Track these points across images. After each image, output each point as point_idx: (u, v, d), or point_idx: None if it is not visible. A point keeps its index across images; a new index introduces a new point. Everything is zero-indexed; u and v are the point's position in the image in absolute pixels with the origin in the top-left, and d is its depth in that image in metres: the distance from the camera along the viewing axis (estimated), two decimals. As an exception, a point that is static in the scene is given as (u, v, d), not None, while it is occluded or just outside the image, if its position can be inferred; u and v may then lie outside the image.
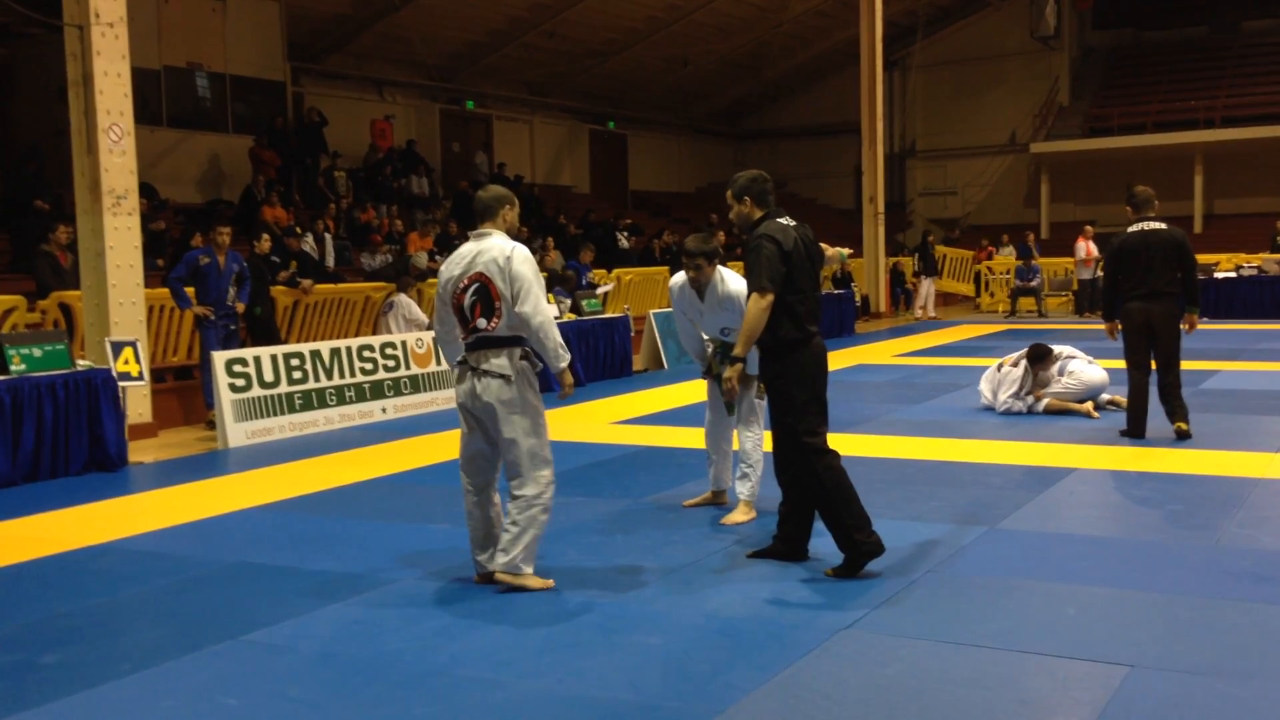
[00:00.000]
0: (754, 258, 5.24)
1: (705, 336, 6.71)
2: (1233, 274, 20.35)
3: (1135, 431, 8.48)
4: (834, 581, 5.15)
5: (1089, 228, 22.16)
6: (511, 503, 5.13)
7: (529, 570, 5.15)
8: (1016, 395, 9.70)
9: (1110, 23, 32.20)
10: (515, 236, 5.31)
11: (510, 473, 5.14)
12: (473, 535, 5.31)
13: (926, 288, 23.05)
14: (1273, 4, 30.11)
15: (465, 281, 5.16)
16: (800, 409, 5.26)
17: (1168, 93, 29.50)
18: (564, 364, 5.14)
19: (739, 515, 6.39)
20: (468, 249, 5.24)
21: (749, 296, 5.29)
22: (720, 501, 6.74)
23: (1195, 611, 4.63)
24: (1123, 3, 31.85)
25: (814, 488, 5.27)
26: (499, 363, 5.09)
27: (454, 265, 5.24)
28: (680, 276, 6.57)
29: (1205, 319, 19.42)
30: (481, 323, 5.11)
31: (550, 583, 5.19)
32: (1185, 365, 12.83)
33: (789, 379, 5.28)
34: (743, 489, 6.46)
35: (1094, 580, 5.08)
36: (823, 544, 5.43)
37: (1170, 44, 31.50)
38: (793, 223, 5.40)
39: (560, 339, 5.14)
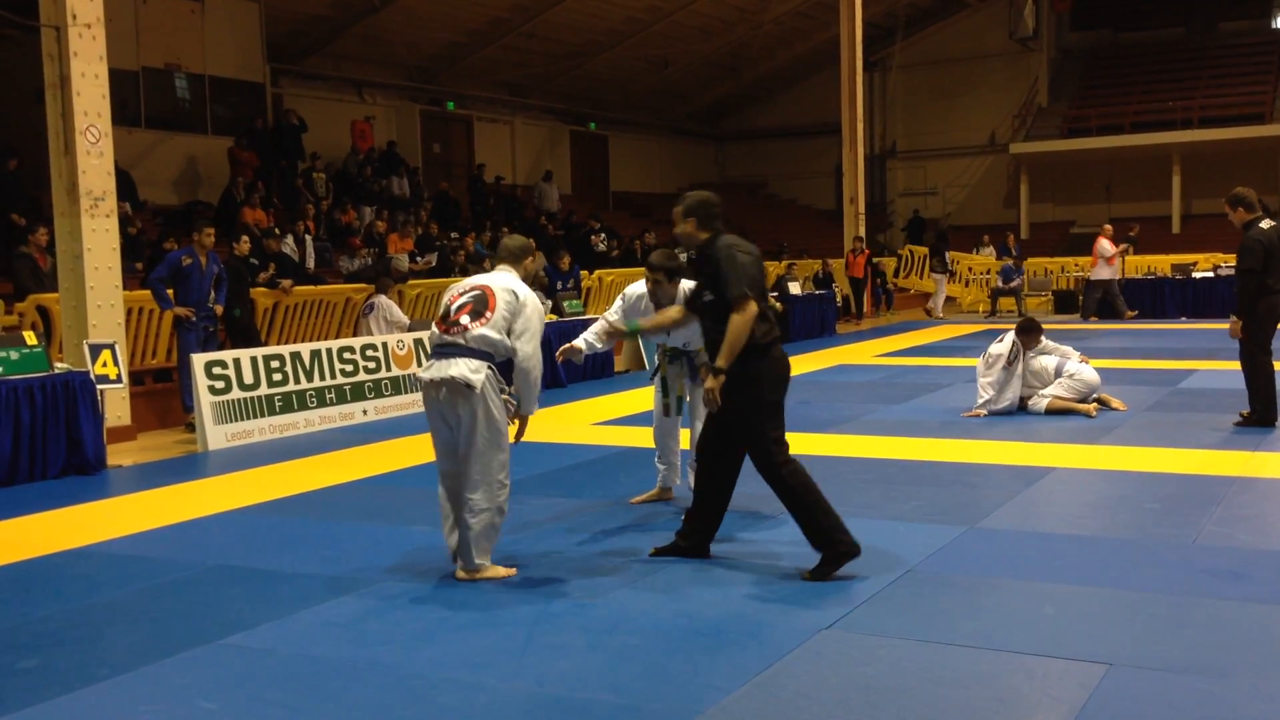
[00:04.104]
0: (725, 266, 5.16)
1: (657, 343, 6.77)
2: (1210, 274, 20.48)
3: (1269, 419, 8.67)
4: (813, 581, 5.15)
5: (1108, 226, 21.07)
6: (465, 509, 5.22)
7: (486, 562, 5.29)
8: (1007, 369, 9.56)
9: (1088, 24, 32.38)
10: (532, 284, 5.49)
11: (468, 480, 5.20)
12: (444, 518, 5.43)
13: (943, 286, 23.05)
14: (1249, 5, 30.36)
15: (466, 288, 5.34)
16: (769, 413, 5.22)
17: (1145, 93, 29.69)
18: (533, 411, 5.32)
19: None
20: (480, 276, 5.47)
21: (730, 308, 5.11)
22: (667, 498, 6.89)
23: (1173, 610, 4.66)
24: (1100, 4, 32.04)
25: (782, 495, 5.25)
26: (470, 365, 5.12)
27: (460, 285, 5.45)
28: (640, 286, 6.58)
29: (1184, 319, 19.59)
30: (465, 319, 5.17)
31: (512, 570, 5.35)
32: (1165, 364, 13.01)
33: (761, 383, 5.20)
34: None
35: (1072, 579, 5.10)
36: (794, 546, 5.44)
37: (1148, 45, 31.69)
38: (737, 238, 5.39)
39: (532, 377, 5.24)
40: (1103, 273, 20.24)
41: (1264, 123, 27.14)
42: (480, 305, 5.20)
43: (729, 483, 5.53)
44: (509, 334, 5.18)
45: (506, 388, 5.27)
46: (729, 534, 6.03)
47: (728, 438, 5.36)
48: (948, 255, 23.60)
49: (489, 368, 5.16)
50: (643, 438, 9.20)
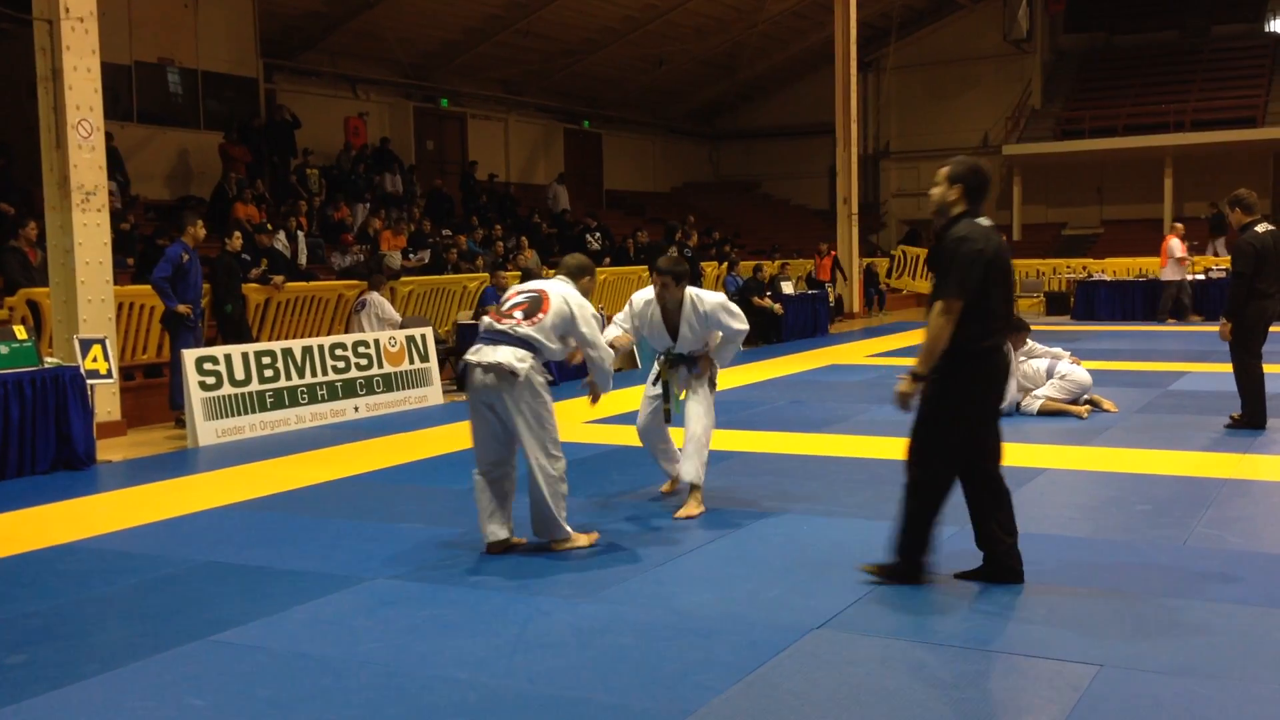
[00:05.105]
0: (948, 260, 4.75)
1: (656, 349, 6.75)
2: (1201, 276, 20.52)
3: (1258, 421, 8.67)
4: (805, 581, 5.14)
5: (1179, 225, 20.38)
6: (535, 485, 5.57)
7: (570, 529, 5.67)
8: None
9: (1082, 26, 32.43)
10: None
11: (529, 460, 5.54)
12: (482, 509, 5.70)
13: None
14: (1242, 9, 30.42)
15: (526, 289, 5.79)
16: (954, 424, 4.88)
17: (1139, 96, 29.75)
18: (608, 390, 5.90)
19: (692, 508, 6.46)
20: (539, 281, 5.92)
21: (934, 302, 4.78)
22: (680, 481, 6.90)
23: (1163, 611, 4.67)
24: (1094, 6, 32.09)
25: (906, 493, 4.98)
26: (516, 354, 5.46)
27: (521, 285, 5.92)
28: (647, 292, 6.56)
29: (1172, 320, 19.61)
30: (518, 314, 5.60)
31: (595, 535, 5.80)
32: (1156, 366, 13.04)
33: (955, 388, 4.82)
34: (689, 470, 6.49)
35: (1063, 580, 5.11)
36: (785, 545, 5.43)
37: (1141, 48, 31.75)
38: (989, 223, 4.92)
39: (606, 368, 5.81)
40: (1172, 273, 19.60)
41: (1256, 126, 27.20)
42: (534, 307, 5.62)
43: (995, 490, 5.02)
44: (559, 339, 5.63)
45: (549, 375, 5.66)
46: (721, 534, 6.03)
47: (973, 454, 4.97)
48: None
49: (533, 357, 5.51)
50: (634, 435, 9.20)
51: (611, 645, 4.40)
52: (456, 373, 5.90)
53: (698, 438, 6.49)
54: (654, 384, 6.74)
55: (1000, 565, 5.03)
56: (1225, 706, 3.74)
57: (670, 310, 6.47)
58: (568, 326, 5.63)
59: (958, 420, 4.89)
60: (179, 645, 4.49)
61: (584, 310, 5.69)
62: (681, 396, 6.64)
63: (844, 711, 3.75)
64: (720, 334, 6.58)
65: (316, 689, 4.03)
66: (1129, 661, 4.12)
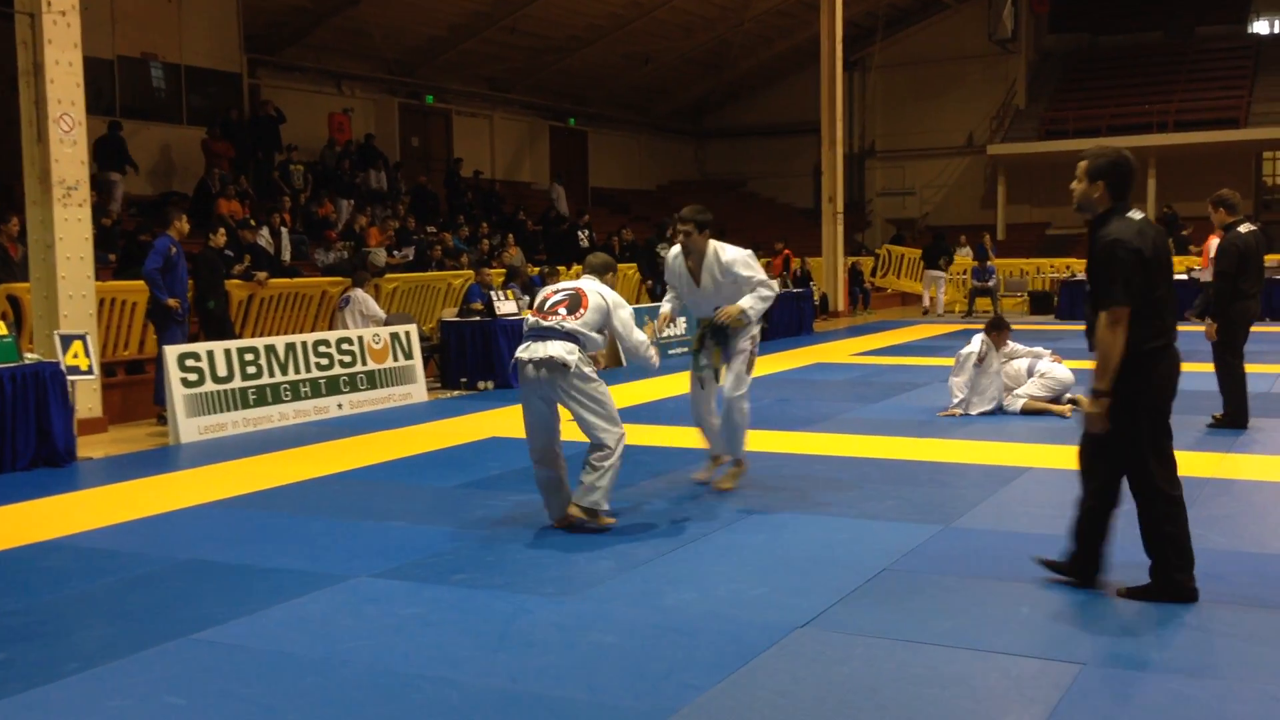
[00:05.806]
0: (1099, 262, 4.57)
1: (693, 312, 7.16)
2: (1183, 276, 20.58)
3: (1240, 421, 8.71)
4: (789, 580, 5.14)
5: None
6: (594, 454, 5.97)
7: (605, 507, 5.99)
8: (979, 367, 9.58)
9: (1067, 27, 32.54)
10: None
11: (593, 440, 5.98)
12: (540, 490, 6.19)
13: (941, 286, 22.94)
14: (1226, 10, 30.57)
15: (561, 288, 6.19)
16: (1148, 427, 4.66)
17: (1123, 96, 29.86)
18: (653, 359, 6.28)
19: (726, 481, 6.95)
20: (571, 280, 6.36)
21: (1097, 312, 4.59)
22: (720, 463, 7.19)
23: (1146, 610, 4.67)
24: (1079, 7, 32.21)
25: (1145, 516, 4.77)
26: (564, 347, 5.84)
27: (555, 285, 6.32)
28: (676, 248, 6.96)
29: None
30: (562, 311, 6.00)
31: (614, 520, 6.06)
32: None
33: (1137, 396, 4.61)
34: (719, 448, 7.00)
35: (1047, 579, 5.11)
36: (768, 544, 5.40)
37: (1125, 48, 31.88)
38: (1140, 215, 4.72)
39: (646, 354, 6.24)
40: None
41: (1239, 127, 27.34)
42: (575, 303, 6.04)
43: (1110, 504, 4.87)
44: (599, 331, 6.05)
45: (595, 366, 6.06)
46: (705, 532, 6.02)
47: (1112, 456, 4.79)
48: (955, 255, 23.38)
49: (579, 349, 5.92)
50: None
51: (595, 643, 4.39)
52: (509, 371, 6.23)
53: (729, 420, 6.86)
54: (694, 353, 7.07)
55: (1086, 572, 4.93)
56: (1207, 705, 3.75)
57: (695, 259, 6.83)
58: (605, 319, 6.08)
59: (1143, 426, 4.66)
60: (159, 644, 4.46)
61: (620, 303, 6.17)
62: (715, 363, 6.92)
63: (828, 710, 3.74)
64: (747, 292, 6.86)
65: (298, 688, 4.00)
66: (1112, 660, 4.13)
